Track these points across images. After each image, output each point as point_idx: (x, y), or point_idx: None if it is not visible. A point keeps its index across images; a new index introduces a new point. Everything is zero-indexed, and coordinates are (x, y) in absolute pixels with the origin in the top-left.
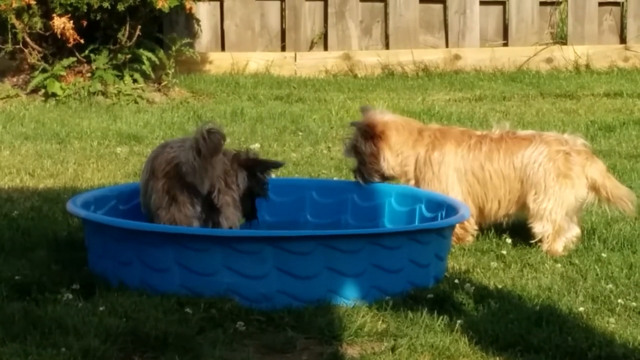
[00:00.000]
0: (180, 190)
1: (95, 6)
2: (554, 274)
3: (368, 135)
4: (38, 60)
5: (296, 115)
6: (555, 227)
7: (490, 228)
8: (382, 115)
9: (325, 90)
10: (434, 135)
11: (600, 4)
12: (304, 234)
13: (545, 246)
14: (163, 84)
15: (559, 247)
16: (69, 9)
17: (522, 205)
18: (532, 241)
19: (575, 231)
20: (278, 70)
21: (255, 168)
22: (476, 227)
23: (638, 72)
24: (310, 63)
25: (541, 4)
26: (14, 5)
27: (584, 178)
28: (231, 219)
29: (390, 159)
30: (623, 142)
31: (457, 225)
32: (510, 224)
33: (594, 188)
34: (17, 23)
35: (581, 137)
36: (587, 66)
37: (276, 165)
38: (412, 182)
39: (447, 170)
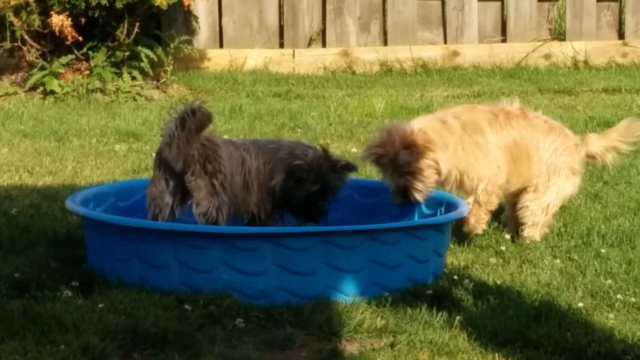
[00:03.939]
0: (157, 167)
1: (94, 3)
2: (553, 270)
3: (416, 152)
4: (36, 57)
5: (295, 112)
6: (547, 217)
7: (490, 224)
8: (408, 126)
9: (323, 87)
10: (462, 119)
11: (599, 0)
12: (302, 230)
13: (527, 230)
14: (161, 81)
15: (537, 235)
16: (67, 6)
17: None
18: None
19: None
20: (276, 67)
21: (291, 175)
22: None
23: (636, 67)
24: (309, 60)
25: (539, 0)
26: (12, 2)
27: (580, 175)
28: (203, 205)
29: (447, 159)
30: None
31: (486, 190)
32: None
33: (610, 150)
34: (15, 20)
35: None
36: (586, 62)
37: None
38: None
39: (493, 149)
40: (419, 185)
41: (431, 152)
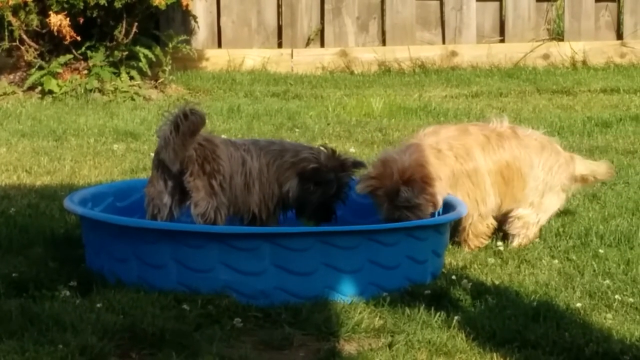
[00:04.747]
0: (156, 167)
1: (92, 3)
2: (551, 270)
3: (417, 189)
4: (35, 57)
5: (293, 112)
6: (535, 230)
7: None
8: (404, 156)
9: (321, 87)
10: (455, 147)
11: (597, 0)
12: (301, 231)
13: (517, 240)
14: (160, 80)
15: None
16: (66, 6)
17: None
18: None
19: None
20: (274, 67)
21: (310, 179)
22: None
23: (634, 68)
24: (307, 60)
25: (537, 0)
26: (11, 2)
27: (568, 191)
28: (201, 206)
29: (442, 188)
30: (620, 138)
31: (482, 229)
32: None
33: (583, 179)
34: (13, 20)
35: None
36: (584, 62)
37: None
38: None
39: (484, 178)
40: (415, 219)
41: (429, 187)
